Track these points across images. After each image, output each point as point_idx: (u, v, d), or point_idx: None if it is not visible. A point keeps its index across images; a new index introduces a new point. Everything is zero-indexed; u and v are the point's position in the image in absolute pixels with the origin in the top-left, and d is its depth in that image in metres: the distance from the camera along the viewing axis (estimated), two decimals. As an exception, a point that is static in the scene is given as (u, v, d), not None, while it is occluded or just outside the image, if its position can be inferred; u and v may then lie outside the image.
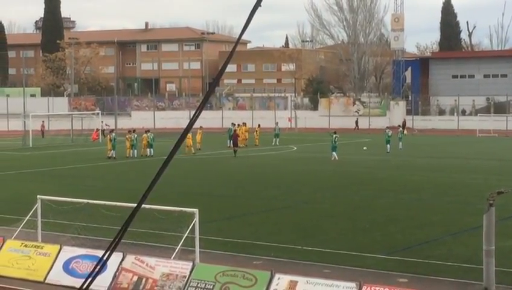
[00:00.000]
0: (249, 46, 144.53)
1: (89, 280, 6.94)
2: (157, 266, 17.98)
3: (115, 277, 18.09)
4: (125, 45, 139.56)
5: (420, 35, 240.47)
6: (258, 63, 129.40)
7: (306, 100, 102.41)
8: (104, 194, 30.67)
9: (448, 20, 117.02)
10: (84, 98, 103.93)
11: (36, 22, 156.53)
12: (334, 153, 48.96)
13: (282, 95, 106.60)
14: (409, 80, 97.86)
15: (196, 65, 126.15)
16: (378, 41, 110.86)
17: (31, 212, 21.76)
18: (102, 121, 74.85)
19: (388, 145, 55.15)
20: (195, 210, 19.04)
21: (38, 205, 21.65)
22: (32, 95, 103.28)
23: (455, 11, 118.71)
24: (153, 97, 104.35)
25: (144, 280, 17.88)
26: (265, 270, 17.19)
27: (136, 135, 53.50)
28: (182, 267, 17.74)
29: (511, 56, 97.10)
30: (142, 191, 6.27)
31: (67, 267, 19.05)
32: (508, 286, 17.78)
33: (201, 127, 56.37)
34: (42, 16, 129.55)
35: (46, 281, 19.00)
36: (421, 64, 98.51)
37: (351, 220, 26.84)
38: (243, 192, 34.73)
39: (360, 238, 23.41)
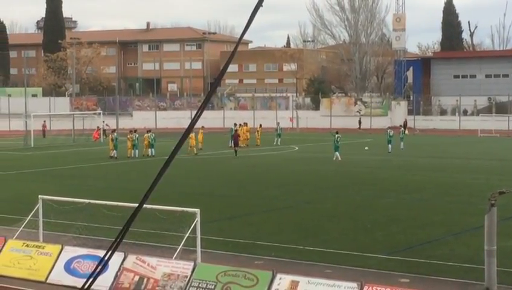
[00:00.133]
0: (250, 46, 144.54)
1: (91, 279, 6.93)
2: (159, 266, 17.98)
3: (116, 276, 18.10)
4: (126, 45, 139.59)
5: (422, 35, 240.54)
6: (259, 63, 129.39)
7: (307, 100, 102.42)
8: (105, 194, 30.68)
9: (450, 20, 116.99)
10: (85, 98, 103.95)
11: (38, 22, 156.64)
12: (336, 153, 48.94)
13: (284, 95, 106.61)
14: (410, 80, 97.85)
15: (197, 65, 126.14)
16: (380, 41, 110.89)
17: (33, 212, 21.76)
18: (103, 121, 74.89)
19: (390, 145, 55.13)
20: (197, 210, 19.04)
21: (40, 205, 21.66)
22: (34, 95, 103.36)
23: (457, 11, 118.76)
24: (154, 97, 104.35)
25: (145, 279, 17.88)
26: (267, 270, 17.18)
27: (137, 135, 53.50)
28: (184, 267, 17.74)
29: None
30: (143, 191, 6.27)
31: (68, 267, 19.05)
32: (509, 286, 17.77)
33: (203, 127, 56.35)
34: (44, 15, 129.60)
35: (47, 281, 19.00)
36: (423, 64, 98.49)
37: (353, 220, 26.83)
38: (245, 192, 34.73)
39: (361, 238, 23.40)
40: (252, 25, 5.96)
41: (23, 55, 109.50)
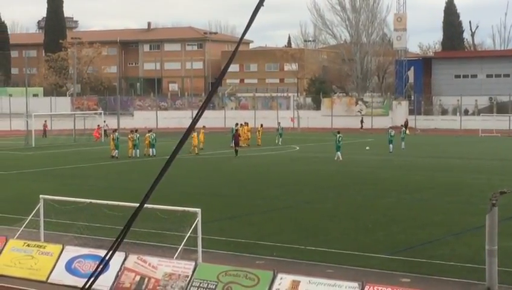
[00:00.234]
0: (251, 45, 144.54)
1: (92, 279, 6.93)
2: (160, 266, 17.98)
3: (117, 276, 18.10)
4: (127, 45, 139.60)
5: (423, 35, 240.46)
6: (260, 62, 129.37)
7: (308, 100, 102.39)
8: (106, 193, 30.69)
9: (451, 20, 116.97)
10: (86, 98, 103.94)
11: (39, 22, 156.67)
12: (338, 152, 48.92)
13: (285, 94, 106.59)
14: (411, 79, 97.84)
15: (199, 65, 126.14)
16: (381, 41, 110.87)
17: (34, 211, 21.77)
18: (104, 121, 74.92)
19: (391, 145, 55.12)
20: (198, 210, 19.04)
21: (41, 204, 21.66)
22: (35, 95, 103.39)
23: (458, 11, 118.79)
24: (155, 97, 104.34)
25: (146, 279, 17.88)
26: (268, 270, 17.18)
27: (138, 135, 53.51)
28: (185, 267, 17.74)
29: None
30: (144, 190, 6.27)
31: (69, 267, 19.06)
32: (510, 286, 17.77)
33: (204, 126, 56.37)
34: (45, 15, 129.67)
35: (48, 281, 19.01)
36: (424, 64, 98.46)
37: (354, 220, 26.82)
38: (246, 192, 34.73)
39: (362, 238, 23.39)
40: (253, 25, 5.96)
41: (24, 55, 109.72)
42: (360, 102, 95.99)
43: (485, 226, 17.12)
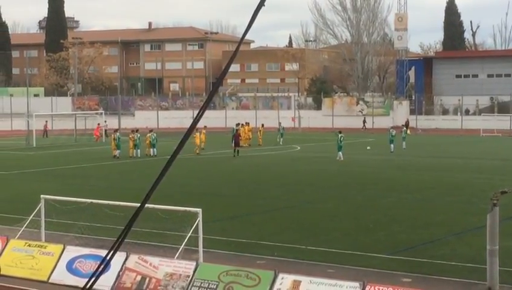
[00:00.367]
0: (252, 45, 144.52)
1: (93, 279, 6.94)
2: (161, 266, 17.99)
3: (118, 276, 18.10)
4: (128, 45, 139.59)
5: (423, 35, 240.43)
6: (261, 62, 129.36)
7: (309, 100, 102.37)
8: (107, 193, 30.70)
9: (452, 20, 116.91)
10: (87, 98, 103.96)
11: (40, 22, 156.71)
12: (339, 152, 48.89)
13: (286, 94, 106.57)
14: (412, 79, 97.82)
15: (200, 65, 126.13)
16: (382, 41, 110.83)
17: (35, 211, 21.77)
18: (105, 121, 74.93)
19: (392, 145, 55.11)
20: (199, 210, 19.04)
21: (42, 204, 21.67)
22: (36, 95, 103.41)
23: (459, 11, 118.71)
24: (156, 97, 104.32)
25: (147, 279, 17.89)
26: (269, 270, 17.19)
27: (139, 135, 53.52)
28: (186, 266, 17.74)
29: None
30: (145, 190, 6.27)
31: (70, 267, 19.06)
32: (511, 286, 17.75)
33: (205, 126, 56.36)
34: (46, 15, 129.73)
35: (49, 281, 19.02)
36: (425, 64, 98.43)
37: (355, 219, 26.82)
38: (247, 192, 34.74)
39: (363, 238, 23.39)
40: (254, 25, 5.97)
41: (25, 55, 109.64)
42: (361, 102, 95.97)
43: (486, 226, 17.12)
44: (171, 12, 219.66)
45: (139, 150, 52.98)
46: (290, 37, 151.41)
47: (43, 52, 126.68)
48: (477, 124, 79.98)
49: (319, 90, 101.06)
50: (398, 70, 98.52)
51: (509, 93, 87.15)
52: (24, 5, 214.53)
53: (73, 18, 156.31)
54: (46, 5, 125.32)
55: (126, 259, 18.33)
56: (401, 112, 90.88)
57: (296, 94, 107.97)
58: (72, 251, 19.55)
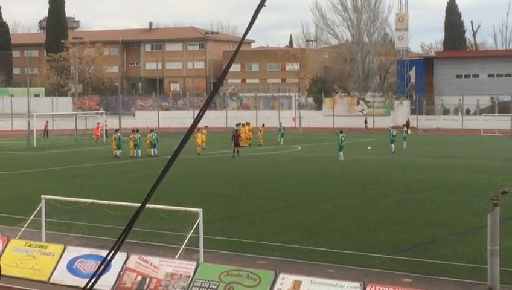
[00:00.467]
0: (253, 45, 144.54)
1: (93, 279, 6.94)
2: (161, 266, 17.98)
3: (119, 276, 18.10)
4: (129, 45, 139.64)
5: (424, 35, 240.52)
6: (262, 62, 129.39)
7: (310, 100, 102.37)
8: (108, 193, 30.71)
9: (453, 20, 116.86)
10: (88, 98, 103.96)
11: (40, 22, 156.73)
12: (341, 152, 48.87)
13: (287, 94, 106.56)
14: (413, 79, 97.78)
15: (200, 65, 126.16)
16: (383, 41, 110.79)
17: (35, 212, 21.77)
18: (105, 121, 74.95)
19: (393, 145, 55.09)
20: (199, 210, 19.04)
21: (43, 204, 21.67)
22: (37, 95, 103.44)
23: (459, 11, 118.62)
24: (157, 97, 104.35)
25: (148, 279, 17.89)
26: (270, 270, 17.18)
27: (139, 135, 53.52)
28: (186, 267, 17.74)
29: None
30: (146, 190, 6.27)
31: (71, 267, 19.06)
32: (512, 286, 17.76)
33: (206, 126, 56.34)
34: (46, 15, 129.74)
35: (50, 281, 19.02)
36: (425, 64, 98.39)
37: (355, 220, 26.82)
38: (247, 192, 34.73)
39: (364, 238, 23.39)
40: (254, 25, 5.96)
41: (26, 55, 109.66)
42: (361, 102, 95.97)
43: (486, 226, 17.11)
44: (171, 12, 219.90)
45: (139, 150, 52.98)
46: (291, 37, 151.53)
47: (43, 52, 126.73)
48: (478, 124, 79.96)
49: (320, 90, 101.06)
50: (399, 70, 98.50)
51: (509, 93, 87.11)
52: (25, 5, 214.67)
53: (74, 18, 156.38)
54: (47, 5, 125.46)
55: (127, 259, 18.33)
56: (401, 112, 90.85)
57: (297, 94, 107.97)
58: (73, 251, 19.55)
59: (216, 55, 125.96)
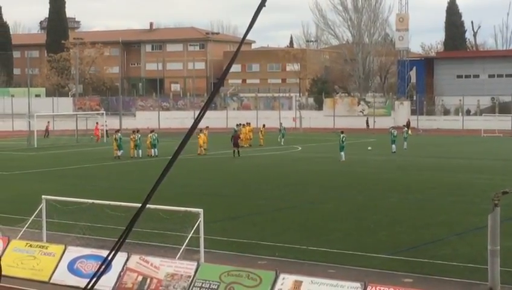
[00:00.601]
0: (253, 46, 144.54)
1: (94, 279, 6.94)
2: (162, 266, 17.99)
3: (119, 277, 18.11)
4: (129, 45, 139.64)
5: (425, 35, 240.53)
6: (262, 63, 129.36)
7: (311, 100, 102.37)
8: (108, 194, 30.71)
9: (453, 20, 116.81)
10: (88, 98, 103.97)
11: (41, 22, 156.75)
12: (342, 153, 48.85)
13: (287, 95, 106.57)
14: (413, 79, 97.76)
15: (201, 65, 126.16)
16: (383, 41, 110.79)
17: (36, 212, 21.78)
18: (105, 121, 74.96)
19: (393, 145, 55.10)
20: (200, 210, 19.04)
21: (43, 205, 21.68)
22: (37, 95, 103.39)
23: (460, 11, 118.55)
24: (157, 97, 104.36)
25: (148, 280, 17.89)
26: (270, 270, 17.18)
27: (139, 135, 53.52)
28: (187, 267, 17.75)
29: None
30: (146, 191, 6.27)
31: (72, 267, 19.07)
32: (513, 286, 17.75)
33: (207, 127, 56.34)
34: (47, 16, 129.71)
35: (50, 281, 19.02)
36: (426, 64, 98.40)
37: (356, 220, 26.82)
38: (248, 192, 34.74)
39: (364, 239, 23.39)
40: (255, 25, 5.97)
41: (27, 55, 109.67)
42: (362, 102, 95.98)
43: (487, 226, 17.11)
44: (172, 13, 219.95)
45: (140, 151, 53.00)
46: (291, 38, 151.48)
47: (44, 53, 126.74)
48: (478, 124, 79.95)
49: (320, 90, 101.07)
50: (399, 71, 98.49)
51: (510, 93, 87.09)
52: (25, 5, 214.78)
53: (75, 18, 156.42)
54: (47, 6, 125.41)
55: (127, 259, 18.34)
56: (402, 112, 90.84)
57: (297, 94, 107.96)
58: (73, 251, 19.55)
59: (216, 56, 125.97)
